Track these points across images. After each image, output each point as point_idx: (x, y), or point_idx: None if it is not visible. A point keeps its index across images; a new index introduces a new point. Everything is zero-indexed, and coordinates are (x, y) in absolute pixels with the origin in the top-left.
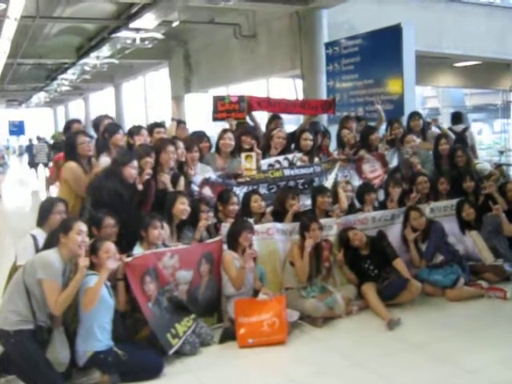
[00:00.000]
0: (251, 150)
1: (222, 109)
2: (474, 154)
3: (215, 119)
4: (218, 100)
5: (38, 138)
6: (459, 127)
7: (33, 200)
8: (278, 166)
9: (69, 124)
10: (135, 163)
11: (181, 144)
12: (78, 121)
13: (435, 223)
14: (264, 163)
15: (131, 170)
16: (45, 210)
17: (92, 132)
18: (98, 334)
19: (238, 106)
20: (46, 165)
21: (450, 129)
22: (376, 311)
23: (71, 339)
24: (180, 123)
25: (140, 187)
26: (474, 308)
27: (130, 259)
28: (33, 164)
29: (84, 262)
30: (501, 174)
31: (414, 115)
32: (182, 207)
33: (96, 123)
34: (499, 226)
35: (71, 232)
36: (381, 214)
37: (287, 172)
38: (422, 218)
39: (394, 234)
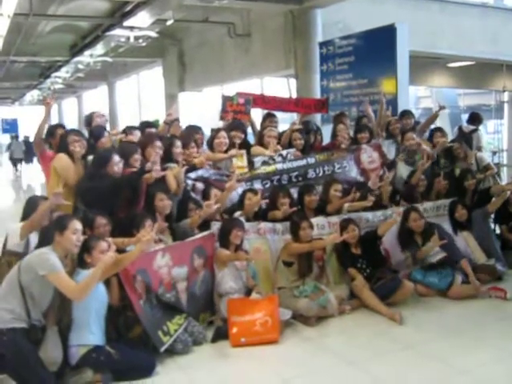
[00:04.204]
0: (241, 146)
1: (230, 109)
2: None
3: (222, 118)
4: (227, 100)
5: (15, 137)
6: (469, 127)
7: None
8: (271, 162)
9: (53, 129)
10: (116, 158)
11: (178, 143)
12: (62, 126)
13: (436, 225)
14: (258, 160)
15: (114, 167)
16: (29, 208)
17: (84, 130)
18: (91, 326)
19: (244, 108)
20: (21, 160)
21: (460, 127)
22: (375, 309)
23: (64, 338)
24: (174, 121)
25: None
26: (468, 308)
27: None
28: (13, 160)
29: (109, 258)
30: (497, 173)
31: (406, 113)
32: (162, 204)
33: (87, 120)
34: (487, 214)
35: (67, 231)
36: (373, 215)
37: (280, 166)
38: (421, 220)
39: (388, 234)
